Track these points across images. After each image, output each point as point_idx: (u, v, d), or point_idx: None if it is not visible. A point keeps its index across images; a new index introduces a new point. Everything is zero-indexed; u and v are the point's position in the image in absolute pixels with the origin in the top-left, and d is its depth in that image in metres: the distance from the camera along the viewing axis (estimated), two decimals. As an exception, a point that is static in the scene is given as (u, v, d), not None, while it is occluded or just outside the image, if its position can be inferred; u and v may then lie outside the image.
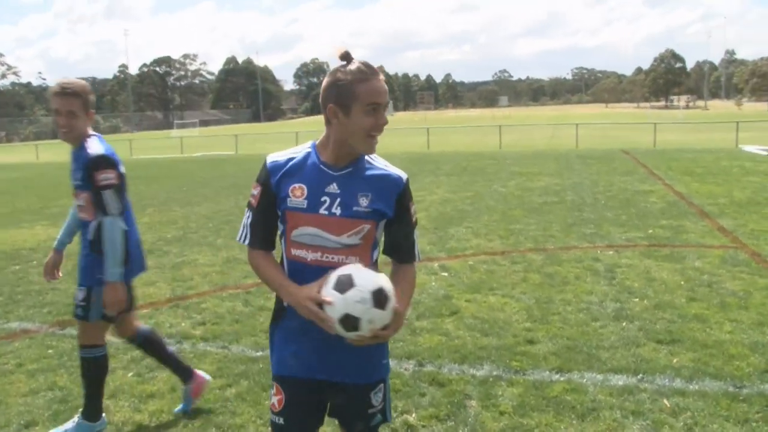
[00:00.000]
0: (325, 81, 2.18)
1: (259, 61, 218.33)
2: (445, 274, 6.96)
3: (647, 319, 5.33)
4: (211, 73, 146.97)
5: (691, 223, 9.37)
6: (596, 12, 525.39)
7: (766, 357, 4.56)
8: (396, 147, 28.06)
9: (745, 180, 14.17)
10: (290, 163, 2.25)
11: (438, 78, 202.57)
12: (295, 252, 2.23)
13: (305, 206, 2.20)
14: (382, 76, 2.16)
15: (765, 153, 20.65)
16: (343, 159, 2.23)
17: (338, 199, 2.20)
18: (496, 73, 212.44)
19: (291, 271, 2.25)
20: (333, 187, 2.21)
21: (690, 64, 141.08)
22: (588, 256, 7.54)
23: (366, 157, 2.26)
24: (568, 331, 5.11)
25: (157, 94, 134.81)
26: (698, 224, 9.33)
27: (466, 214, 10.87)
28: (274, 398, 2.32)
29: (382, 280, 2.11)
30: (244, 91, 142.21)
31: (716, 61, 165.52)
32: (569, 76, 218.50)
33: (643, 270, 6.87)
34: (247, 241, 2.30)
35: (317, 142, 2.28)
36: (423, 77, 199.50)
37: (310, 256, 2.21)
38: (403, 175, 2.31)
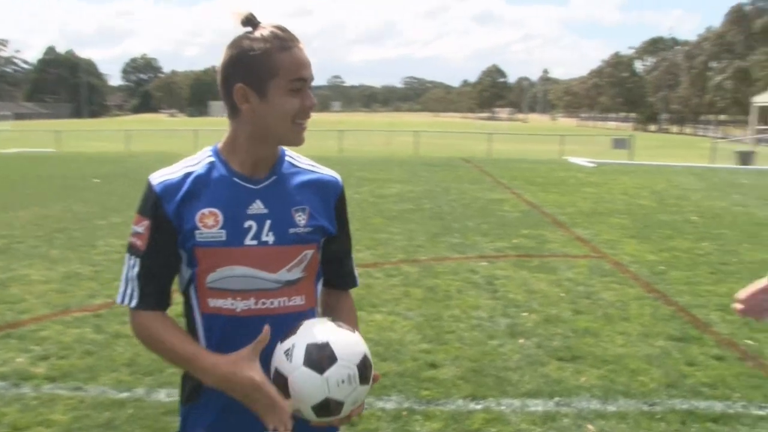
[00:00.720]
0: (226, 55, 1.58)
1: (83, 53, 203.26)
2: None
3: (542, 335, 5.19)
4: (27, 63, 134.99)
5: (550, 233, 9.59)
6: (430, 25, 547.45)
7: (664, 369, 4.56)
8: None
9: (584, 191, 14.97)
10: (189, 181, 1.62)
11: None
12: (215, 303, 1.61)
13: (224, 238, 1.59)
14: (303, 44, 1.60)
15: (591, 165, 22.14)
16: (262, 165, 1.65)
17: (268, 222, 1.62)
18: (329, 79, 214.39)
19: (209, 331, 1.63)
20: (257, 206, 1.63)
21: (512, 80, 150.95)
22: (463, 268, 7.38)
23: (287, 158, 1.71)
24: (468, 352, 4.82)
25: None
26: (557, 233, 9.56)
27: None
28: None
29: (360, 340, 1.58)
30: (65, 84, 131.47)
31: (535, 78, 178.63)
32: (401, 85, 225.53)
33: (521, 281, 6.81)
34: (134, 303, 1.61)
35: (219, 146, 1.67)
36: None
37: (240, 305, 1.61)
38: (338, 177, 1.78)
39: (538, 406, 3.96)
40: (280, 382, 1.50)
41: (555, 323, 5.48)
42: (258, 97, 1.56)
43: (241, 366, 1.49)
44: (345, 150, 29.01)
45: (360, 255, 7.98)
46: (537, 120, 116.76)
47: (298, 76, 1.56)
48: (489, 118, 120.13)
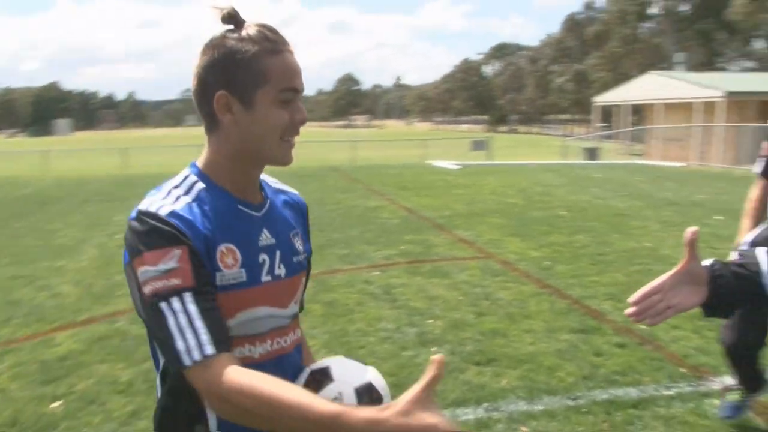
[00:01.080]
0: (205, 57, 1.35)
1: None
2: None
3: (453, 341, 5.17)
4: None
5: (434, 237, 9.69)
6: (284, 34, 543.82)
7: (576, 363, 4.68)
8: (84, 171, 25.17)
9: (455, 192, 15.34)
10: (198, 211, 1.34)
11: (121, 96, 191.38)
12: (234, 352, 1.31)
13: (244, 278, 1.36)
14: (293, 48, 1.40)
15: (455, 167, 22.79)
16: (253, 187, 1.46)
17: (278, 253, 1.44)
18: (182, 92, 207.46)
19: None
20: (266, 237, 1.43)
21: (366, 87, 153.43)
22: (357, 279, 7.25)
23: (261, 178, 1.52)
24: (385, 367, 4.69)
25: None
26: (440, 237, 9.68)
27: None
28: None
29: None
30: None
31: (388, 85, 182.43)
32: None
33: (418, 288, 6.78)
34: (209, 349, 1.19)
35: (200, 166, 1.42)
36: (103, 94, 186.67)
37: (258, 350, 1.41)
38: (300, 196, 1.65)
39: (468, 414, 3.91)
40: None
41: (462, 328, 5.48)
42: (243, 107, 1.34)
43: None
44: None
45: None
46: (393, 125, 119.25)
47: (290, 86, 1.36)
48: (346, 126, 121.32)
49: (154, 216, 1.29)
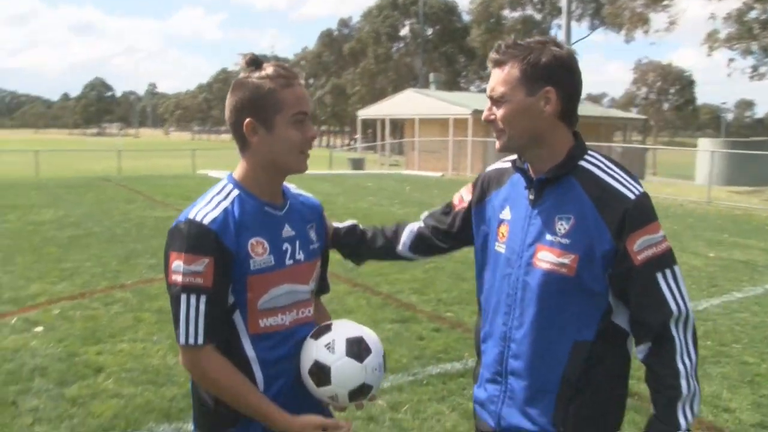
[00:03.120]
0: (235, 93, 1.82)
1: None
2: (40, 328, 5.91)
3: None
4: None
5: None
6: (18, 32, 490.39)
7: (405, 347, 5.45)
8: None
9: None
10: (232, 215, 1.79)
11: None
12: (267, 322, 1.83)
13: (273, 263, 1.83)
14: (302, 80, 1.87)
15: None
16: (277, 192, 1.92)
17: (297, 242, 1.92)
18: None
19: (263, 349, 1.82)
20: (287, 230, 1.90)
21: (118, 94, 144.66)
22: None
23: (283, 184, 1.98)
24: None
25: None
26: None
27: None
28: None
29: (377, 336, 1.97)
30: None
31: (142, 92, 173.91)
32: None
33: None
34: (201, 339, 1.72)
35: (236, 178, 1.88)
36: None
37: (288, 318, 1.88)
38: (315, 199, 2.12)
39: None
40: (323, 371, 1.80)
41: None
42: (265, 130, 1.78)
43: (308, 422, 1.78)
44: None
45: (58, 288, 7.39)
46: (149, 134, 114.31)
47: (301, 110, 1.80)
48: (98, 134, 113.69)
49: (198, 224, 1.75)
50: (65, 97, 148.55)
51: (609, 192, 1.77)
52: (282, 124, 1.78)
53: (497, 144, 1.90)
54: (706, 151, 24.07)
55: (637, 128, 46.04)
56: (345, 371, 1.80)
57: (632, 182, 1.79)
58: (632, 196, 1.75)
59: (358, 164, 30.89)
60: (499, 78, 1.81)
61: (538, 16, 55.87)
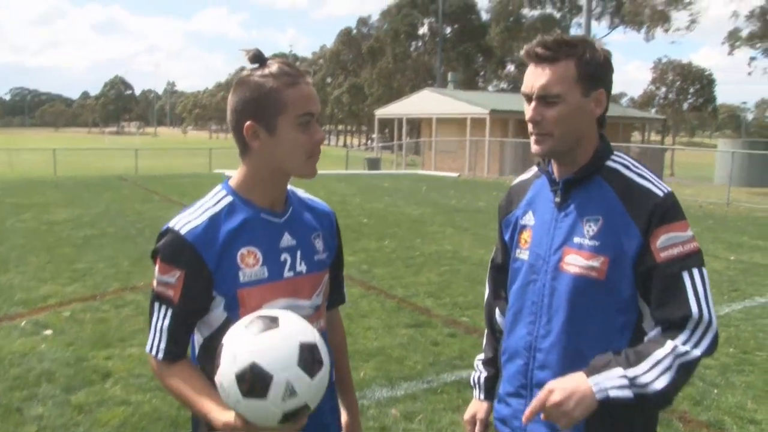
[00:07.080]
0: (235, 93, 1.65)
1: None
2: (49, 332, 5.84)
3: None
4: None
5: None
6: (42, 31, 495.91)
7: (419, 352, 5.30)
8: None
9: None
10: (218, 224, 1.64)
11: None
12: None
13: (266, 275, 1.67)
14: (310, 79, 1.68)
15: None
16: (279, 198, 1.75)
17: (298, 252, 1.74)
18: None
19: None
20: (287, 239, 1.73)
21: (138, 92, 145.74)
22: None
23: (289, 189, 1.80)
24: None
25: None
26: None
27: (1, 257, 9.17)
28: None
29: (290, 333, 1.43)
30: None
31: (161, 91, 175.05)
32: (6, 96, 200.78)
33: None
34: (161, 355, 1.64)
35: (233, 184, 1.72)
36: None
37: None
38: (328, 205, 1.95)
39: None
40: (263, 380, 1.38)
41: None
42: (267, 133, 1.62)
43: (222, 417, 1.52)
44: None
45: (69, 289, 7.34)
46: (167, 133, 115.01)
47: (306, 111, 1.62)
48: (117, 133, 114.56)
49: (175, 234, 1.63)
50: (85, 95, 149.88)
51: (637, 190, 1.69)
52: (285, 127, 1.62)
53: (537, 148, 1.75)
54: (726, 152, 23.70)
55: (655, 128, 45.59)
56: (253, 416, 1.41)
57: (660, 181, 1.72)
58: (661, 194, 1.68)
59: (374, 164, 30.76)
60: (552, 76, 1.68)
61: (557, 15, 55.48)
